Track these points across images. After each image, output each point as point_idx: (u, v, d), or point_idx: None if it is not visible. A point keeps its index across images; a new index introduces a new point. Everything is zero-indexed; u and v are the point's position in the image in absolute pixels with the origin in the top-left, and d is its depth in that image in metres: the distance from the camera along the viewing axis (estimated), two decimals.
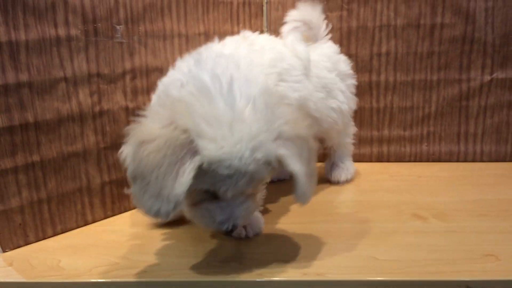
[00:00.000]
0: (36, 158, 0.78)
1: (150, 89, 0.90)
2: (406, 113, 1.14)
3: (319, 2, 1.00)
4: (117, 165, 0.87)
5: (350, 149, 1.07)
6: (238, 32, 1.02)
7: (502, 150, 1.13)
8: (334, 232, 0.79)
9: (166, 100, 0.67)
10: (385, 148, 1.16)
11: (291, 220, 0.84)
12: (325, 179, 1.04)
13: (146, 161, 0.61)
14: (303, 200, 0.67)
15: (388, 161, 1.17)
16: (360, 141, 1.14)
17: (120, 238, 0.80)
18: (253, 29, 1.08)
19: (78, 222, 0.85)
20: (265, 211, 0.87)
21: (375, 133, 1.15)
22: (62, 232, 0.83)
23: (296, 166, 0.64)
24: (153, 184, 0.61)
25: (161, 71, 0.91)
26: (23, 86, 0.75)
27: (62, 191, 0.82)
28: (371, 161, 1.17)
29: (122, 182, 0.87)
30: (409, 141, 1.15)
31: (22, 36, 0.75)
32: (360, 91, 1.10)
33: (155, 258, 0.73)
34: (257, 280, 0.66)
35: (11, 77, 0.74)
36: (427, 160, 1.15)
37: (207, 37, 0.98)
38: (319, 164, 1.02)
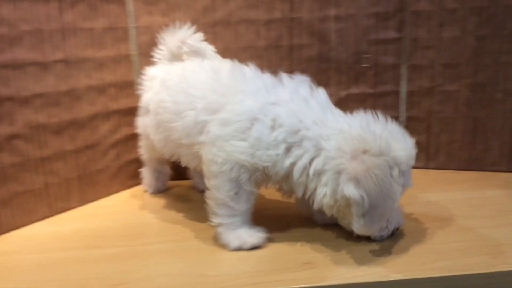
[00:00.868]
0: None
1: (1, 119, 0.91)
2: None
3: (187, 27, 1.06)
4: None
5: None
6: (102, 58, 1.06)
7: None
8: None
9: (346, 142, 0.79)
10: None
11: None
12: None
13: (373, 192, 0.75)
14: None
15: None
16: None
17: None
18: (121, 53, 1.11)
19: None
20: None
21: None
22: None
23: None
24: (380, 208, 0.76)
25: (13, 100, 0.93)
26: None
27: None
28: None
29: None
30: None
31: None
32: None
33: None
34: None
35: None
36: None
37: (68, 64, 1.01)
38: None
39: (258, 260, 0.79)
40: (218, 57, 1.05)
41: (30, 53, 0.95)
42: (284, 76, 0.88)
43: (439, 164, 1.20)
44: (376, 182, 0.74)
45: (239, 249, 0.82)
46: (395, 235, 0.85)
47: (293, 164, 0.80)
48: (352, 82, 1.18)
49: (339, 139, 0.78)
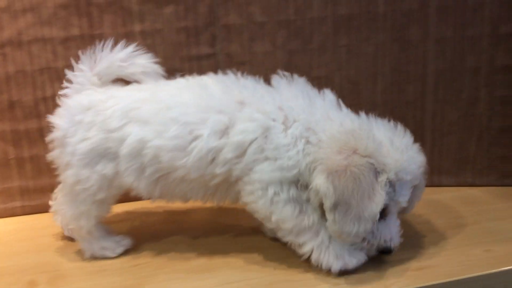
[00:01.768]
0: None
1: None
2: None
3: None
4: None
5: None
6: None
7: None
8: None
9: (340, 135, 0.77)
10: None
11: None
12: None
13: (345, 190, 0.73)
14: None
15: None
16: None
17: None
18: None
19: None
20: None
21: None
22: None
23: None
24: (354, 208, 0.73)
25: None
26: None
27: None
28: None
29: None
30: None
31: None
32: (32, 138, 1.04)
33: None
34: None
35: None
36: None
37: None
38: None
39: None
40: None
41: None
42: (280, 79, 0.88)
43: None
44: (351, 178, 0.73)
45: (344, 270, 0.79)
46: (392, 254, 0.81)
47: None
48: None
49: (334, 132, 0.78)
